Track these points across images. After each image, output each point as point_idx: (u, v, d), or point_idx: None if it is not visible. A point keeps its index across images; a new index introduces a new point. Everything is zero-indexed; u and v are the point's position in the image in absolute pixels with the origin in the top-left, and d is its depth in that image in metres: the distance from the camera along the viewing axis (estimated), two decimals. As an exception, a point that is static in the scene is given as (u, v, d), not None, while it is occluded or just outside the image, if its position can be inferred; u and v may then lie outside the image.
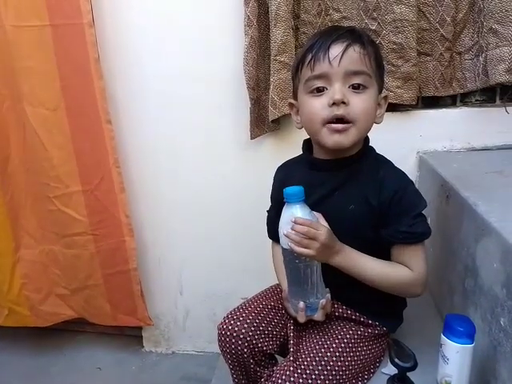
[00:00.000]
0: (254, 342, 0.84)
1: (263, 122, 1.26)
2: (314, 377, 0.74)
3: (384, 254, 0.82)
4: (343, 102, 0.76)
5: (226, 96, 1.29)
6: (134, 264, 1.40)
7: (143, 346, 1.62)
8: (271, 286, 0.99)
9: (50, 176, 1.35)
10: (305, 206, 0.77)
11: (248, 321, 0.85)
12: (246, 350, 0.83)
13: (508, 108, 1.14)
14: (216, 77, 1.28)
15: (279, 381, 0.74)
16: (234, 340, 0.84)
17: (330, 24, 1.19)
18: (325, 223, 0.79)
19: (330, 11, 1.18)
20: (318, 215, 0.79)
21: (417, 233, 0.79)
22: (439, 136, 1.20)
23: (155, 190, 1.43)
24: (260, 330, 0.85)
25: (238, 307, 0.90)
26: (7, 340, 1.64)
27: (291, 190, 0.76)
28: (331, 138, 0.79)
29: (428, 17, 1.13)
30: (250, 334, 0.84)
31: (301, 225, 0.74)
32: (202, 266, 1.47)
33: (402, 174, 0.83)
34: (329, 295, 0.82)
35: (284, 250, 0.79)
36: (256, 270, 1.38)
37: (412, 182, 0.83)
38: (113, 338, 1.63)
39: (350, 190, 0.83)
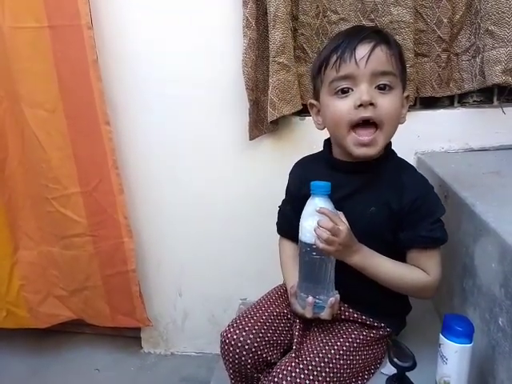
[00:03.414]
0: (259, 352, 0.81)
1: (262, 123, 1.26)
2: (315, 373, 0.74)
3: (400, 257, 0.82)
4: (371, 104, 0.75)
5: (224, 97, 1.29)
6: (132, 265, 1.40)
7: (142, 347, 1.61)
8: (275, 288, 0.97)
9: (49, 177, 1.34)
10: (329, 200, 0.78)
11: (254, 331, 0.82)
12: (249, 361, 0.81)
13: (505, 109, 1.14)
14: (215, 78, 1.28)
15: (280, 375, 0.73)
16: (238, 350, 0.81)
17: (327, 26, 1.19)
18: (345, 221, 0.78)
19: (328, 13, 1.18)
20: (340, 213, 0.79)
21: (435, 238, 0.80)
22: (437, 137, 1.20)
23: (154, 191, 1.43)
24: (265, 340, 0.83)
25: (243, 314, 0.87)
26: (5, 341, 1.63)
27: (319, 183, 0.77)
28: (359, 151, 0.78)
29: (425, 18, 1.14)
30: (256, 344, 0.81)
31: (324, 215, 0.74)
32: (201, 268, 1.47)
33: (423, 180, 0.83)
34: (338, 295, 0.81)
35: (302, 241, 0.79)
36: (255, 272, 1.38)
37: (433, 187, 0.83)
38: (111, 339, 1.62)
39: (370, 193, 0.82)
